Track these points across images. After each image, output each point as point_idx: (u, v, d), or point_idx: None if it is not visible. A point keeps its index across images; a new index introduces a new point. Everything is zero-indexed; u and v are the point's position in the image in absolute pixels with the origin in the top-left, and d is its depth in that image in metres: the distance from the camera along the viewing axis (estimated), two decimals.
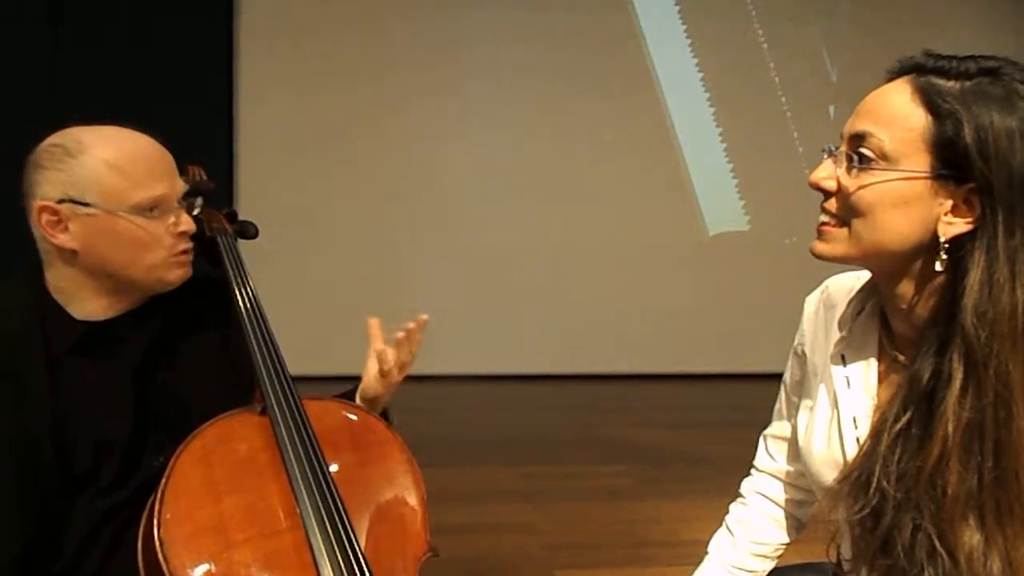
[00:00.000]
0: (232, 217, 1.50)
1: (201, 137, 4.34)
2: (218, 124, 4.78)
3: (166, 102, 4.24)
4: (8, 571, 1.16)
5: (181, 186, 1.27)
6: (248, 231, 1.51)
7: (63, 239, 1.20)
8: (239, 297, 1.35)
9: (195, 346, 1.35)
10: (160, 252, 1.23)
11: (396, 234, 5.05)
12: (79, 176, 1.19)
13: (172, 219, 1.24)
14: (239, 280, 1.37)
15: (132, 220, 1.20)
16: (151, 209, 1.21)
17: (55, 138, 1.22)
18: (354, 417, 1.33)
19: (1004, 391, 0.86)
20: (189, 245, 1.27)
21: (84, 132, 1.22)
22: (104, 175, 1.19)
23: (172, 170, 1.26)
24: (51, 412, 1.19)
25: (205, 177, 1.48)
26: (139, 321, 1.29)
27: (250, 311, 1.33)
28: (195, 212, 1.36)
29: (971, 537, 0.88)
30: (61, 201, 1.19)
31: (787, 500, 1.28)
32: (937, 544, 0.89)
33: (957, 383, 0.88)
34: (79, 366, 1.23)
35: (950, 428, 0.88)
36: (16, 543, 1.16)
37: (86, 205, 1.19)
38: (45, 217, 1.20)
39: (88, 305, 1.25)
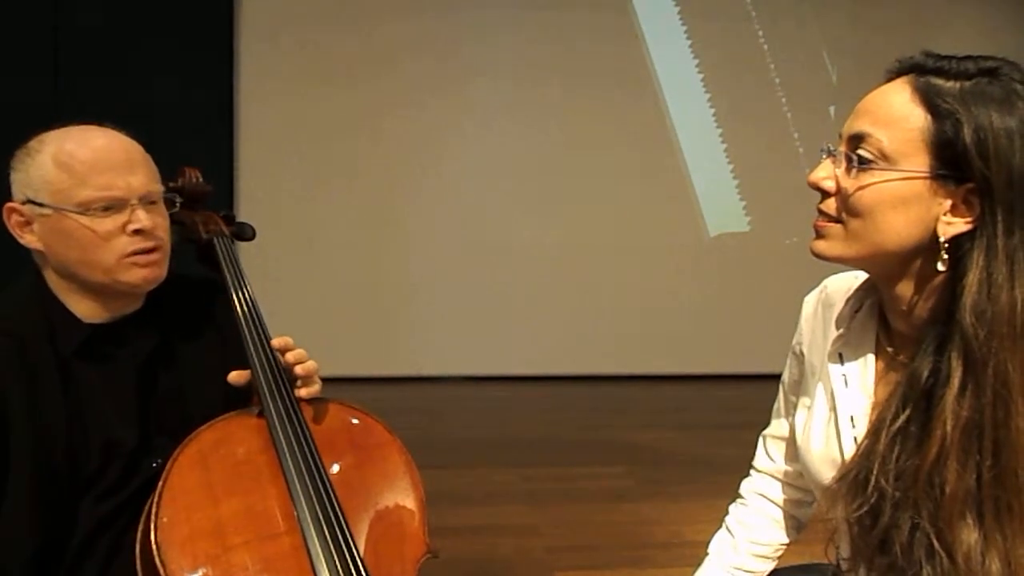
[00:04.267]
0: (229, 219, 1.49)
1: (201, 138, 4.36)
2: (218, 125, 4.78)
3: (167, 103, 4.25)
4: (16, 573, 1.16)
5: (143, 184, 1.21)
6: (245, 233, 1.50)
7: (29, 239, 1.21)
8: (236, 299, 1.34)
9: (195, 349, 1.35)
10: (112, 252, 1.19)
11: (397, 234, 5.06)
12: (34, 176, 1.19)
13: (126, 217, 1.19)
14: (236, 282, 1.36)
15: (78, 220, 1.17)
16: (100, 207, 1.17)
17: (31, 141, 1.22)
18: (352, 419, 1.32)
19: (1003, 390, 0.86)
20: (148, 244, 1.21)
21: (51, 133, 1.21)
22: (52, 173, 1.17)
23: (130, 166, 1.21)
24: (65, 413, 1.19)
25: (201, 180, 1.47)
26: (141, 324, 1.29)
27: (247, 313, 1.33)
28: (173, 210, 1.32)
29: (969, 536, 0.88)
30: (24, 202, 1.19)
31: (786, 500, 1.28)
32: (935, 543, 0.88)
33: (956, 382, 0.88)
34: (86, 368, 1.23)
35: (949, 427, 0.88)
36: (29, 545, 1.16)
37: (41, 205, 1.18)
38: (14, 218, 1.21)
39: (81, 307, 1.25)
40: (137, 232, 1.20)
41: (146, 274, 1.23)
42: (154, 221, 1.22)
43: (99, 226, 1.18)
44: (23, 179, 1.20)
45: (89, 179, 1.17)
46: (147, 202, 1.22)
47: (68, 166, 1.17)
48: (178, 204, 1.35)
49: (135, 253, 1.21)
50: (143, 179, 1.22)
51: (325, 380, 1.33)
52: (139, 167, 1.22)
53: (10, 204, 1.20)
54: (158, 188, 1.25)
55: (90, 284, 1.23)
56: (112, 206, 1.19)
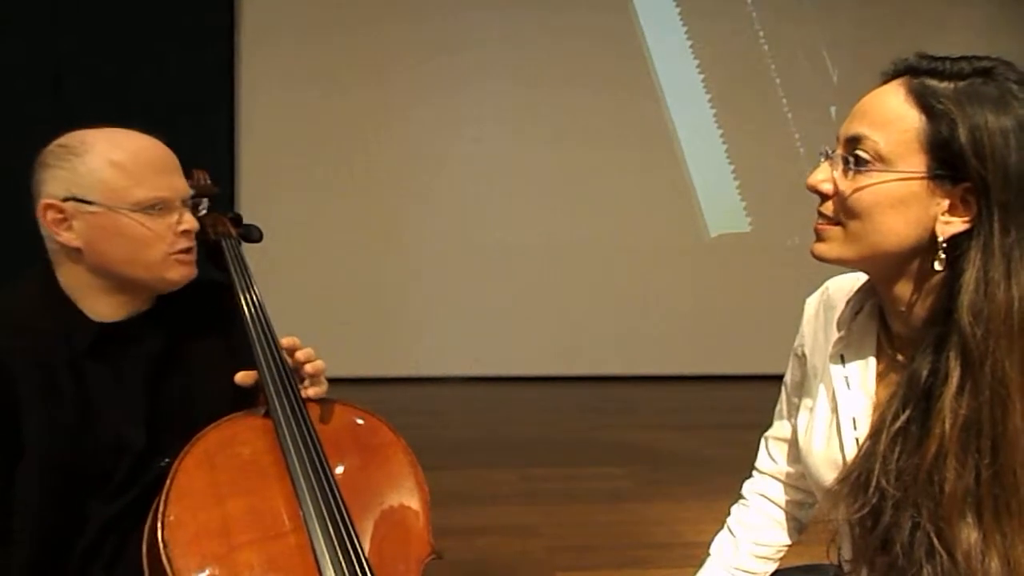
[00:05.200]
0: (237, 221, 1.50)
1: (203, 140, 4.36)
2: (220, 127, 4.79)
3: (168, 104, 4.25)
4: (19, 572, 1.17)
5: (185, 186, 1.28)
6: (252, 235, 1.51)
7: (67, 237, 1.22)
8: (243, 301, 1.35)
9: (202, 349, 1.36)
10: (161, 250, 1.24)
11: (398, 236, 5.06)
12: (83, 175, 1.20)
13: (175, 217, 1.25)
14: (243, 284, 1.37)
15: (134, 217, 1.21)
16: (154, 207, 1.22)
17: (62, 139, 1.24)
18: (357, 419, 1.33)
19: (1000, 388, 0.87)
20: (191, 244, 1.28)
21: (89, 133, 1.24)
22: (107, 173, 1.20)
23: (175, 169, 1.27)
24: (79, 412, 1.21)
25: (209, 181, 1.49)
26: (149, 324, 1.30)
27: (254, 314, 1.34)
28: (200, 213, 1.37)
29: (969, 535, 0.88)
30: (66, 199, 1.21)
31: (788, 501, 1.28)
32: (936, 542, 0.89)
33: (954, 381, 0.88)
34: (96, 367, 1.24)
35: (947, 426, 0.88)
36: (36, 542, 1.17)
37: (89, 203, 1.20)
38: (50, 215, 1.22)
39: (98, 305, 1.26)
40: (184, 232, 1.26)
41: (187, 272, 1.28)
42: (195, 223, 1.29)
43: (153, 225, 1.23)
44: (68, 177, 1.21)
45: (147, 180, 1.22)
46: (187, 204, 1.28)
47: (124, 167, 1.21)
48: (203, 209, 1.40)
49: (179, 252, 1.26)
50: (185, 182, 1.29)
51: (330, 381, 1.34)
52: (179, 172, 1.29)
53: (48, 201, 1.21)
54: (190, 191, 1.31)
55: (126, 281, 1.25)
56: (165, 207, 1.24)
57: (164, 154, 1.27)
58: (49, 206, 1.21)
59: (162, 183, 1.23)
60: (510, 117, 5.11)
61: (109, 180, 1.20)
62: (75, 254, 1.24)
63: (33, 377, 1.19)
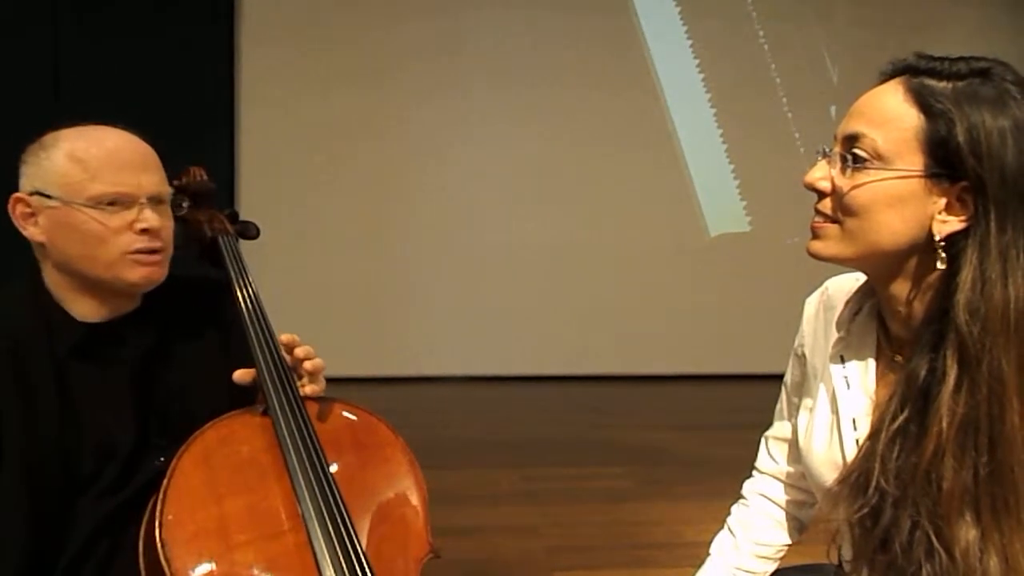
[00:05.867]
0: (233, 218, 1.50)
1: (202, 137, 4.37)
2: (219, 124, 4.80)
3: (167, 103, 4.26)
4: (8, 573, 1.17)
5: (154, 184, 1.24)
6: (249, 232, 1.51)
7: (32, 231, 1.22)
8: (240, 298, 1.34)
9: (197, 348, 1.35)
10: (116, 248, 1.20)
11: (398, 235, 5.07)
12: (46, 169, 1.20)
13: (134, 214, 1.21)
14: (240, 281, 1.37)
15: (88, 213, 1.19)
16: (109, 203, 1.19)
17: (43, 137, 1.24)
18: (356, 418, 1.32)
19: (997, 386, 0.87)
20: (153, 244, 1.23)
21: (65, 130, 1.23)
22: (65, 167, 1.20)
23: (144, 166, 1.24)
24: (58, 414, 1.20)
25: (206, 178, 1.48)
26: (139, 323, 1.29)
27: (251, 312, 1.33)
28: (181, 212, 1.35)
29: (967, 533, 0.88)
30: (31, 194, 1.21)
31: (788, 501, 1.28)
32: (934, 541, 0.89)
33: (951, 379, 0.89)
34: (82, 368, 1.24)
35: (945, 424, 0.88)
36: (21, 545, 1.17)
37: (49, 197, 1.20)
38: (19, 209, 1.22)
39: (78, 305, 1.25)
40: (144, 231, 1.22)
41: (147, 273, 1.24)
42: (161, 222, 1.24)
43: (108, 221, 1.20)
44: (34, 172, 1.21)
45: (101, 174, 1.19)
46: (155, 202, 1.24)
47: (81, 161, 1.19)
48: (185, 207, 1.37)
49: (139, 252, 1.22)
50: (154, 179, 1.25)
51: (328, 379, 1.34)
52: (151, 168, 1.25)
53: (17, 195, 1.22)
54: (167, 191, 1.28)
55: (90, 280, 1.23)
56: (122, 202, 1.20)
57: (134, 149, 1.24)
58: (18, 200, 1.22)
59: (121, 179, 1.20)
60: (510, 117, 5.11)
61: (67, 174, 1.19)
62: (44, 251, 1.24)
63: (12, 385, 1.18)
